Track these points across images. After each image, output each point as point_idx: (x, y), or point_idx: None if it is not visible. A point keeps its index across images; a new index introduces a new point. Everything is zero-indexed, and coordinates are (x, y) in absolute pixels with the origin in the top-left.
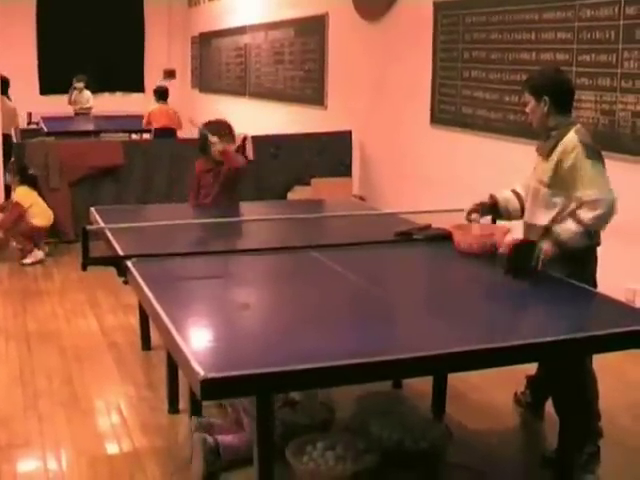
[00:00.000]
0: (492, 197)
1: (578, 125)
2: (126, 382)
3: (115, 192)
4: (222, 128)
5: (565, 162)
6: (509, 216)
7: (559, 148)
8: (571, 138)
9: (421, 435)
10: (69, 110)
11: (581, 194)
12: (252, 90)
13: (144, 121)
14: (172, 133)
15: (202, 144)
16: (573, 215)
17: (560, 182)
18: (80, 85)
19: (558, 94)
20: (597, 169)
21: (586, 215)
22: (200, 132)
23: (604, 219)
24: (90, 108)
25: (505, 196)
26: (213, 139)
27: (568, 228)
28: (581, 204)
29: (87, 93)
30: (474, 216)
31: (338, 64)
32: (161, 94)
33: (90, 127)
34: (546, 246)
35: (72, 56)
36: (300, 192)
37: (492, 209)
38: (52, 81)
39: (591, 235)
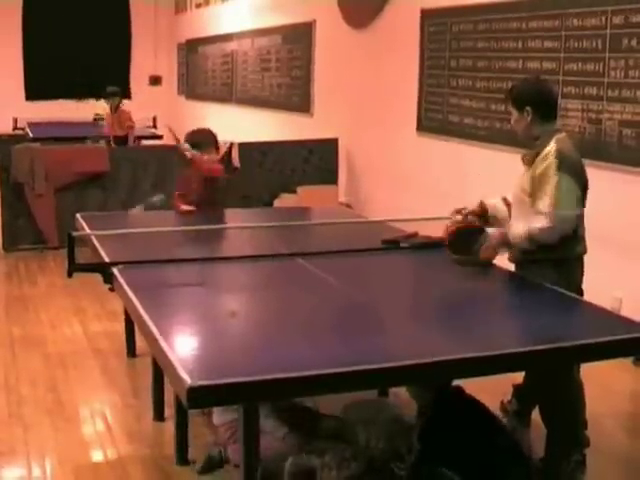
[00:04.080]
0: (481, 204)
1: (563, 134)
2: (111, 389)
3: (100, 199)
4: (203, 138)
5: (538, 169)
6: (497, 223)
7: (539, 157)
8: (550, 148)
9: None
10: (54, 116)
11: (537, 203)
12: (238, 97)
13: (131, 124)
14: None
15: (184, 158)
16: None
17: (536, 190)
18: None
19: (540, 104)
20: (563, 183)
21: (533, 226)
22: (181, 144)
23: (550, 232)
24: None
25: (494, 203)
26: (185, 146)
27: (517, 233)
28: (536, 212)
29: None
30: (458, 217)
31: (325, 71)
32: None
33: (75, 133)
34: (495, 234)
35: (58, 62)
36: (286, 200)
37: (481, 216)
38: (38, 87)
39: (535, 243)
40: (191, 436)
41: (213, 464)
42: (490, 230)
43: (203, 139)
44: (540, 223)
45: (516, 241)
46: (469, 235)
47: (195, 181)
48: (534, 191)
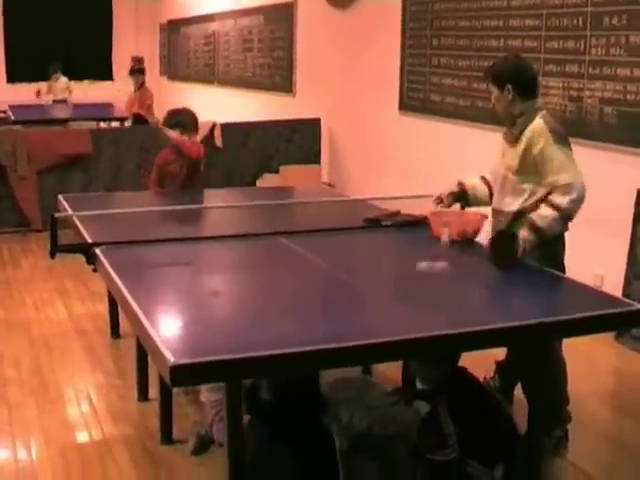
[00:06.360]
0: (460, 184)
1: (544, 111)
2: (95, 370)
3: (83, 181)
4: (184, 118)
5: (534, 148)
6: (477, 203)
7: (527, 134)
8: (538, 124)
9: (391, 420)
10: (36, 98)
11: (553, 179)
12: (221, 78)
13: (150, 102)
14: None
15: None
16: (547, 201)
17: (529, 168)
18: (56, 75)
19: (521, 81)
20: (565, 154)
21: (561, 200)
22: (167, 119)
23: (578, 202)
24: (65, 100)
25: (473, 183)
26: (170, 132)
27: (545, 214)
28: (553, 189)
29: (63, 81)
30: (440, 206)
31: (307, 51)
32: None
33: (58, 115)
34: (524, 234)
35: (40, 45)
36: (269, 180)
37: (461, 196)
38: (19, 70)
39: (566, 219)
40: (176, 416)
41: (204, 444)
42: (521, 232)
43: (184, 119)
44: (567, 196)
45: (546, 222)
46: (508, 241)
47: (177, 164)
48: (525, 169)
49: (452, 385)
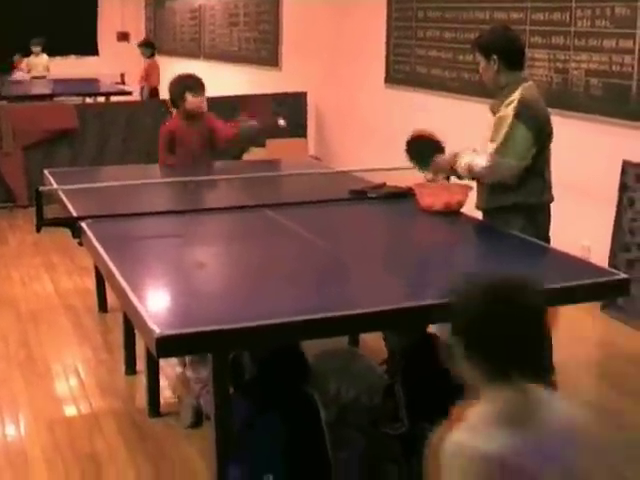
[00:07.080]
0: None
1: (530, 82)
2: (83, 345)
3: (70, 156)
4: (196, 82)
5: (499, 114)
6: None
7: (504, 104)
8: (516, 94)
9: (377, 390)
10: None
11: (490, 145)
12: (207, 52)
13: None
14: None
15: (175, 98)
16: (475, 159)
17: (493, 133)
18: (37, 49)
19: (507, 52)
20: (516, 131)
21: (478, 162)
22: (173, 87)
23: (488, 176)
24: (44, 77)
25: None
26: (190, 97)
27: (464, 160)
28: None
29: (44, 58)
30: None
31: (293, 25)
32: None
33: (44, 91)
34: (447, 155)
35: (23, 20)
36: (256, 153)
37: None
38: (3, 44)
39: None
40: (164, 389)
41: (200, 416)
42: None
43: (196, 84)
44: (483, 163)
45: (460, 168)
46: (425, 146)
47: (199, 133)
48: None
49: (418, 354)
